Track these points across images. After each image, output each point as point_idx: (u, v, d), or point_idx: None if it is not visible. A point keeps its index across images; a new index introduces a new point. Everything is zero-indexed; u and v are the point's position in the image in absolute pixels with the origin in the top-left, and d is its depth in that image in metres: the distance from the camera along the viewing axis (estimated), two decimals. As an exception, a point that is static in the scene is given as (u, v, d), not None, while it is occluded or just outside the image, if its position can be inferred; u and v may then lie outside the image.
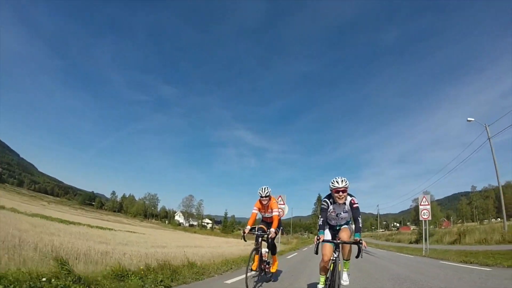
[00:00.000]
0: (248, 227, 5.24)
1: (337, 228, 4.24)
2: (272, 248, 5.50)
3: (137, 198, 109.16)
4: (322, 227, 3.91)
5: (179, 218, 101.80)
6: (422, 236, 18.93)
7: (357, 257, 3.42)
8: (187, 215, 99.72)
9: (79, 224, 21.41)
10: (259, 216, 5.69)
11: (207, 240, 29.56)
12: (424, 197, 18.06)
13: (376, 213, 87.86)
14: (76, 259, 5.32)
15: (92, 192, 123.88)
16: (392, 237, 57.68)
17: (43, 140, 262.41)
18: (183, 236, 32.93)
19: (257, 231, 5.13)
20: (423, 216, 17.45)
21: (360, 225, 3.69)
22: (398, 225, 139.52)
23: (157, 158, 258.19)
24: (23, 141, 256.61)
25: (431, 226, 50.41)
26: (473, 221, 79.81)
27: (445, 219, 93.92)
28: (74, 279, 3.52)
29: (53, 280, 3.32)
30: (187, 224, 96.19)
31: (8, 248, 4.85)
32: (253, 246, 5.08)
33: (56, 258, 3.96)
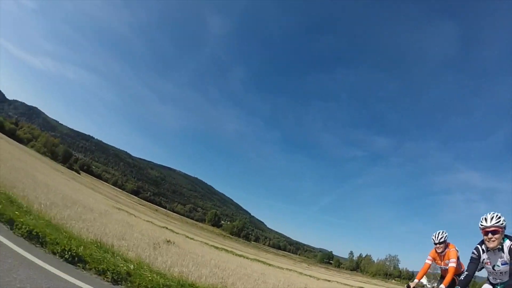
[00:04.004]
0: (416, 280, 4.27)
1: (498, 287, 3.14)
2: None
3: (374, 258, 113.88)
4: (462, 284, 2.91)
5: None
6: None
7: None
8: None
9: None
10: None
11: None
12: None
13: None
14: None
15: (331, 251, 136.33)
16: None
17: (270, 200, 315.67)
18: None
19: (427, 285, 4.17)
20: None
21: None
22: None
23: (379, 212, 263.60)
24: (252, 201, 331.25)
25: None
26: None
27: None
28: None
29: None
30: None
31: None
32: None
33: None
